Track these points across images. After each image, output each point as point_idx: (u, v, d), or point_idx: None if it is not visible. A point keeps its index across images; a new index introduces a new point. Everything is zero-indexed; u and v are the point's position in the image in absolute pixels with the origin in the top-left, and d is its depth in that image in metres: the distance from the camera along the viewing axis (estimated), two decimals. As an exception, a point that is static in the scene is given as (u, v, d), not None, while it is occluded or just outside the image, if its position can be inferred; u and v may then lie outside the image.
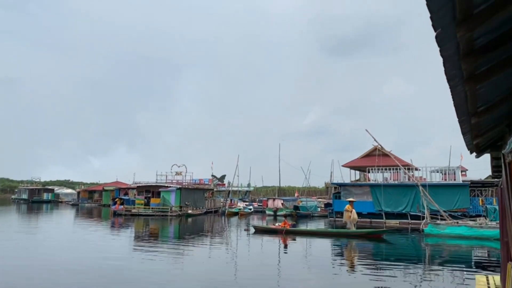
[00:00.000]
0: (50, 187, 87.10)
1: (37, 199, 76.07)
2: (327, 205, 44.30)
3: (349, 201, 25.13)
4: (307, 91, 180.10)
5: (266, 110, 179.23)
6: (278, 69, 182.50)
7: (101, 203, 66.35)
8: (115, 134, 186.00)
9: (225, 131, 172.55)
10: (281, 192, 70.55)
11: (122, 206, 43.13)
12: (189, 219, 37.85)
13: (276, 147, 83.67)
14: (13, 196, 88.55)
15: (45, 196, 78.50)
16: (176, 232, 28.54)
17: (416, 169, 36.02)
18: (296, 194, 57.91)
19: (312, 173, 54.02)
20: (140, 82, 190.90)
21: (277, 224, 27.32)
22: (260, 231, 26.04)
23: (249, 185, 73.92)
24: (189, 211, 41.47)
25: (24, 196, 78.41)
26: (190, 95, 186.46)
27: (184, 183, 47.66)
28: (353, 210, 24.09)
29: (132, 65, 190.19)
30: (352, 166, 44.32)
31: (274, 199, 45.86)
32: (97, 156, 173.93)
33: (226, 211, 43.96)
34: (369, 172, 39.17)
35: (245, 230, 27.46)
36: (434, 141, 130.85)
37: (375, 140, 30.83)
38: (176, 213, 40.13)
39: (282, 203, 44.00)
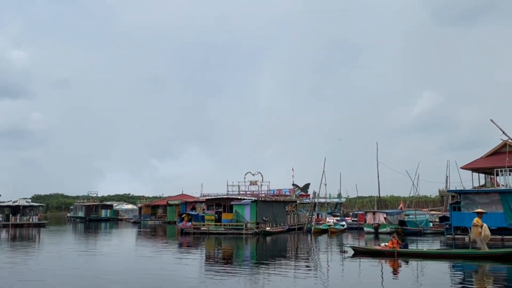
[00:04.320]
0: (108, 203, 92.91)
1: (94, 216, 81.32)
2: (442, 218, 42.78)
3: (478, 213, 23.40)
4: (414, 73, 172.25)
5: (361, 101, 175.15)
6: (377, 47, 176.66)
7: (165, 219, 69.22)
8: (183, 135, 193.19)
9: (309, 129, 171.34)
10: (382, 203, 68.42)
11: (190, 223, 44.50)
12: (268, 238, 37.95)
13: (373, 148, 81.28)
14: (68, 214, 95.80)
15: (103, 213, 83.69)
16: (253, 254, 28.68)
17: None
18: (400, 206, 56.07)
19: (422, 178, 51.32)
20: (209, 75, 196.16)
21: (382, 244, 26.29)
22: (361, 253, 25.19)
23: (339, 196, 72.76)
24: (267, 228, 41.61)
25: (81, 214, 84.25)
26: (268, 86, 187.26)
27: (260, 195, 47.97)
28: (484, 225, 22.40)
29: (199, 57, 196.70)
30: (474, 167, 41.53)
31: (374, 213, 44.45)
32: (162, 161, 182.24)
33: (313, 228, 43.47)
34: (497, 175, 37.16)
35: (341, 252, 26.73)
36: None
37: (503, 133, 28.66)
38: (252, 230, 40.46)
39: (385, 218, 42.53)
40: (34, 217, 61.93)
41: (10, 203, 62.98)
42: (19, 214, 60.14)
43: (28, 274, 19.47)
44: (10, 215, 59.41)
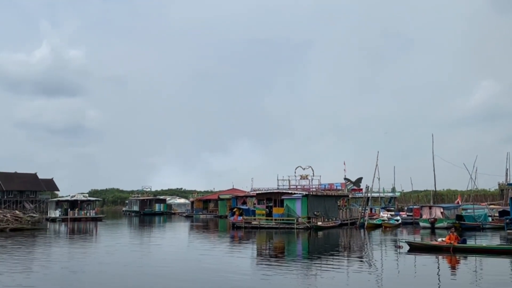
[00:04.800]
0: (161, 197, 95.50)
1: (148, 210, 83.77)
2: (502, 213, 41.73)
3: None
4: (472, 62, 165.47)
5: (415, 92, 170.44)
6: (431, 36, 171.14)
7: (217, 214, 70.37)
8: (234, 129, 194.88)
9: (362, 121, 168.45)
10: (438, 197, 66.66)
11: (241, 217, 45.04)
12: (319, 233, 37.88)
13: (428, 140, 78.79)
14: (124, 208, 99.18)
15: (157, 207, 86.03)
16: (305, 249, 28.77)
17: None
18: (458, 200, 54.52)
19: (480, 171, 49.73)
20: (260, 69, 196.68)
21: (439, 239, 25.73)
22: (416, 248, 24.76)
23: (393, 190, 71.48)
24: (319, 223, 41.49)
25: (135, 208, 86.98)
26: (319, 78, 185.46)
27: (311, 189, 47.86)
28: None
29: (249, 51, 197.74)
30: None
31: (430, 207, 43.45)
32: (214, 155, 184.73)
33: (366, 222, 42.97)
34: None
35: (396, 247, 26.33)
36: None
37: None
38: (303, 225, 40.47)
39: (441, 212, 41.50)
40: (91, 211, 64.44)
41: (69, 198, 65.79)
42: (77, 209, 62.68)
43: (90, 265, 20.39)
44: (69, 210, 62.03)
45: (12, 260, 21.90)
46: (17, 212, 71.42)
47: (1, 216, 56.95)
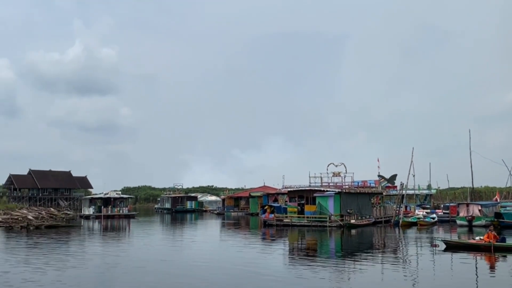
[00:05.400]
0: (193, 195, 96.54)
1: (180, 208, 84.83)
2: None
3: None
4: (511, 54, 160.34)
5: (451, 86, 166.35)
6: (469, 29, 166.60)
7: (248, 211, 70.72)
8: (265, 125, 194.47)
9: (396, 117, 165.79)
10: (475, 194, 65.22)
11: (272, 215, 45.17)
12: (353, 231, 37.69)
13: (465, 135, 77.49)
14: (156, 206, 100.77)
15: (189, 204, 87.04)
16: (338, 247, 28.69)
17: None
18: (496, 197, 53.39)
19: (519, 167, 48.69)
20: (292, 65, 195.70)
21: (477, 238, 25.27)
22: (453, 247, 24.39)
23: (429, 187, 70.44)
24: (352, 221, 41.24)
25: (167, 205, 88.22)
26: (352, 73, 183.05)
27: (344, 186, 47.58)
28: None
29: (281, 46, 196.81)
30: None
31: (467, 205, 42.64)
32: (245, 151, 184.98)
33: (401, 220, 42.48)
34: None
35: (431, 245, 25.99)
36: None
37: None
38: (336, 223, 40.31)
39: (479, 210, 40.68)
40: (124, 208, 65.76)
41: (102, 195, 67.26)
42: (110, 206, 64.05)
43: (124, 262, 20.89)
44: (102, 207, 63.44)
45: (47, 257, 22.61)
46: (52, 209, 73.65)
47: (37, 213, 58.89)
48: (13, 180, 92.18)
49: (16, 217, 50.13)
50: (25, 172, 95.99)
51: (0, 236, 35.55)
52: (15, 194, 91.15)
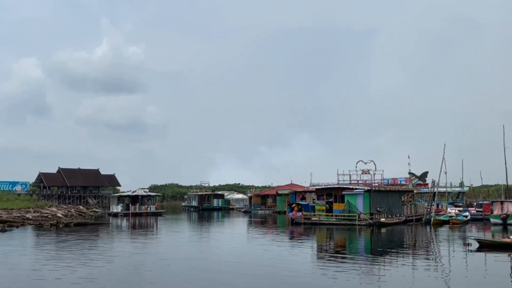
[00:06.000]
0: (219, 193, 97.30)
1: (207, 206, 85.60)
2: None
3: None
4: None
5: (485, 80, 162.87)
6: (503, 20, 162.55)
7: (275, 209, 70.85)
8: (292, 122, 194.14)
9: (427, 112, 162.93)
10: (510, 192, 63.87)
11: (300, 213, 45.18)
12: (382, 229, 37.42)
13: (499, 131, 75.71)
14: (183, 204, 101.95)
15: (215, 202, 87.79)
16: (367, 246, 28.55)
17: None
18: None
19: (557, 164, 47.62)
20: (319, 59, 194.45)
21: (511, 236, 24.86)
22: (487, 246, 24.07)
23: (461, 185, 69.28)
24: (382, 219, 40.93)
25: (194, 203, 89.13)
26: (381, 67, 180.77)
27: (373, 184, 47.22)
28: None
29: (307, 41, 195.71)
30: None
31: (502, 202, 41.96)
32: (271, 148, 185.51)
33: (432, 219, 41.97)
34: None
35: (464, 245, 25.68)
36: None
37: None
38: (365, 221, 40.08)
39: (514, 208, 39.98)
40: (151, 206, 66.65)
41: (130, 193, 68.29)
42: (138, 204, 64.98)
43: (153, 260, 21.29)
44: (130, 205, 64.45)
45: (76, 255, 23.19)
46: (80, 207, 75.32)
47: (66, 211, 60.28)
48: (42, 178, 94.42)
49: (46, 215, 51.50)
50: (54, 170, 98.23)
51: (31, 233, 36.58)
52: (44, 192, 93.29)
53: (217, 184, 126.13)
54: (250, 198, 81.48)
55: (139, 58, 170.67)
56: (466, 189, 71.54)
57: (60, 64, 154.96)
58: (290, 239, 33.03)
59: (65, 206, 73.50)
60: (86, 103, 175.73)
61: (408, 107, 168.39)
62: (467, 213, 47.19)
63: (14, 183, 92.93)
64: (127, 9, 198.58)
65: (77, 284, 15.58)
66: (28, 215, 48.28)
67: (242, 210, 79.18)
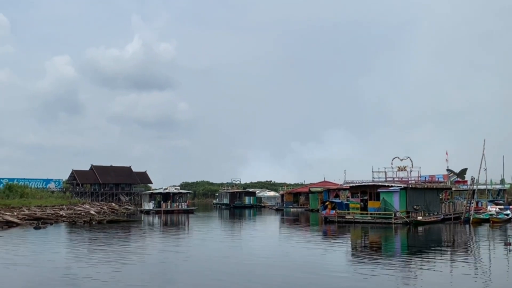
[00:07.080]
0: (251, 190, 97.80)
1: (238, 203, 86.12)
2: None
3: None
4: None
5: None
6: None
7: (308, 207, 70.76)
8: (327, 117, 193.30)
9: (467, 107, 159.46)
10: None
11: (333, 211, 45.05)
12: (419, 228, 37.02)
13: (542, 125, 73.70)
14: (214, 201, 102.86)
15: (247, 200, 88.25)
16: (404, 245, 28.33)
17: None
18: None
19: None
20: (355, 54, 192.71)
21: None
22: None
23: (502, 182, 67.69)
24: (419, 218, 40.47)
25: (225, 201, 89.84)
26: (420, 61, 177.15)
27: (410, 181, 46.66)
28: None
29: (343, 35, 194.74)
30: None
31: (544, 201, 40.93)
32: (304, 144, 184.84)
33: (472, 217, 41.28)
34: None
35: (505, 244, 25.27)
36: None
37: None
38: (401, 220, 39.70)
39: (559, 206, 38.95)
40: (183, 203, 67.67)
41: (161, 191, 69.49)
42: (169, 201, 66.08)
43: (187, 258, 21.66)
44: (162, 202, 65.54)
45: (109, 252, 23.75)
46: (113, 204, 76.98)
47: (99, 208, 61.72)
48: (75, 175, 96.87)
49: (79, 212, 52.87)
50: (87, 168, 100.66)
51: (64, 230, 37.62)
52: (77, 189, 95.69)
53: (248, 182, 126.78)
54: (282, 195, 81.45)
55: (170, 54, 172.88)
56: (507, 186, 69.92)
57: (92, 62, 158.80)
58: (324, 237, 33.02)
59: (97, 203, 75.32)
60: (117, 101, 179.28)
61: (447, 101, 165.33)
62: (508, 212, 46.21)
63: (47, 181, 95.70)
64: (158, 5, 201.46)
65: (106, 282, 15.82)
66: (61, 212, 49.67)
67: (274, 208, 79.36)
